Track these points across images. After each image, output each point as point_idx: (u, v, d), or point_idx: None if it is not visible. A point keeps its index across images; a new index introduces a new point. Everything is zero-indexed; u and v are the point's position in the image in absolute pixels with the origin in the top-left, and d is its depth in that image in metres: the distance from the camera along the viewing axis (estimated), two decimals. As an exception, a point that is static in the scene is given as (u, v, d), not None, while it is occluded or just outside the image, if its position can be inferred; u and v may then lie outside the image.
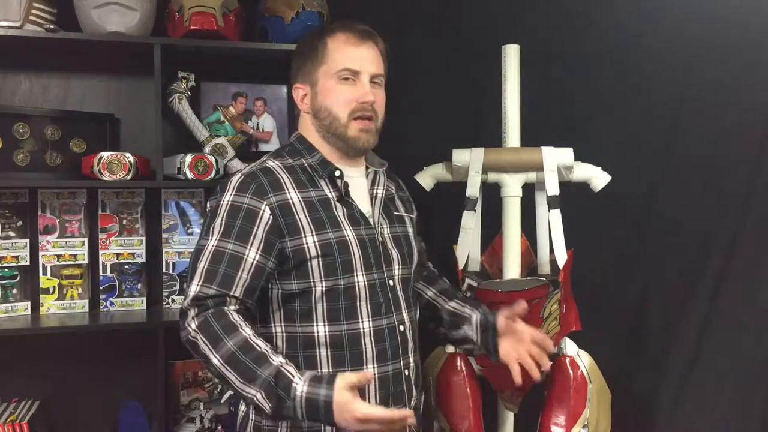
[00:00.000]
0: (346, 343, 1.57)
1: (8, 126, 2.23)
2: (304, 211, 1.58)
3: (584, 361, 2.17)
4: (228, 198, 1.58)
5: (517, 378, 1.63)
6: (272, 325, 1.61)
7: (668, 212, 2.61)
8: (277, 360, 1.44)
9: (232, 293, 1.51)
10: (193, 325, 1.48)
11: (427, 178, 2.23)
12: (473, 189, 2.17)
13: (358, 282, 1.59)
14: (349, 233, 1.60)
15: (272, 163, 1.64)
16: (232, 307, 1.51)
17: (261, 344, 1.46)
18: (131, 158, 2.17)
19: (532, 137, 2.23)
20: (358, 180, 1.69)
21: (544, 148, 2.17)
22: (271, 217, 1.55)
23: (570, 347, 2.18)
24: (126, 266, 2.39)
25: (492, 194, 2.23)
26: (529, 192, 2.23)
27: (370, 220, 1.66)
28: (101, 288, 2.37)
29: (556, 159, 2.16)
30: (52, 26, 2.12)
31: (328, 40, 1.65)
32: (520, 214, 2.21)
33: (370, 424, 1.37)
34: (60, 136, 2.30)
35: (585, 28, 2.57)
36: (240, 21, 2.32)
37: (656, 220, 2.62)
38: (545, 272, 2.23)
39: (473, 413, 2.08)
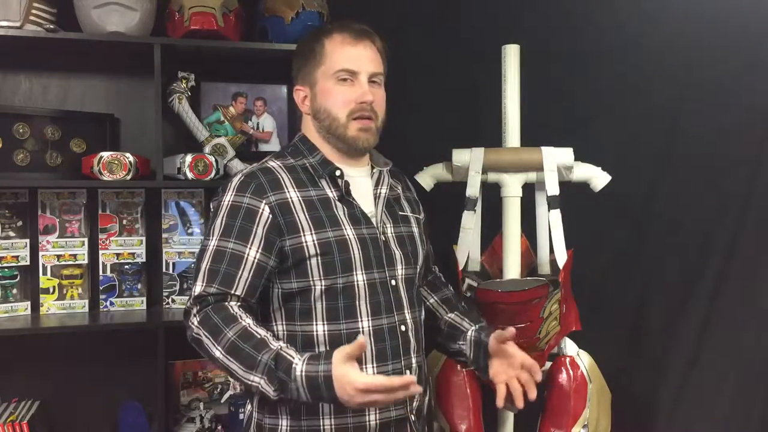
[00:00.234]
0: (345, 342, 1.56)
1: (8, 126, 2.23)
2: (303, 210, 1.58)
3: (584, 361, 2.17)
4: (228, 198, 1.58)
5: (499, 401, 1.63)
6: (273, 323, 1.61)
7: (668, 212, 2.61)
8: (277, 344, 1.44)
9: (233, 292, 1.52)
10: (195, 322, 1.49)
11: (427, 178, 2.23)
12: (473, 189, 2.17)
13: (357, 281, 1.59)
14: (349, 232, 1.60)
15: (273, 163, 1.65)
16: (233, 303, 1.52)
17: (261, 332, 1.47)
18: (131, 158, 2.17)
19: (532, 137, 2.23)
20: (360, 180, 1.69)
21: (544, 148, 2.17)
22: (271, 216, 1.56)
23: (570, 347, 2.18)
24: (126, 266, 2.39)
25: (492, 194, 2.23)
26: (529, 192, 2.23)
27: (373, 220, 1.66)
28: (101, 288, 2.37)
29: (556, 159, 2.16)
30: (52, 26, 2.12)
31: (325, 40, 1.65)
32: (520, 214, 2.21)
33: (372, 395, 1.36)
34: (60, 136, 2.30)
35: (585, 28, 2.57)
36: (240, 21, 2.32)
37: (656, 220, 2.62)
38: (545, 272, 2.23)
39: (473, 413, 2.09)
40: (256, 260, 1.54)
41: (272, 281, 1.59)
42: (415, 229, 1.76)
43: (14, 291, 2.29)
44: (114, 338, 2.36)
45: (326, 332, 1.58)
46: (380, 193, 1.70)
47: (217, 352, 1.46)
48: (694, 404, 2.58)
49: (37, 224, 2.32)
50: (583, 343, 2.20)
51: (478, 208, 2.20)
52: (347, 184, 1.64)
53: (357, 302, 1.59)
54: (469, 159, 2.18)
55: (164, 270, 2.43)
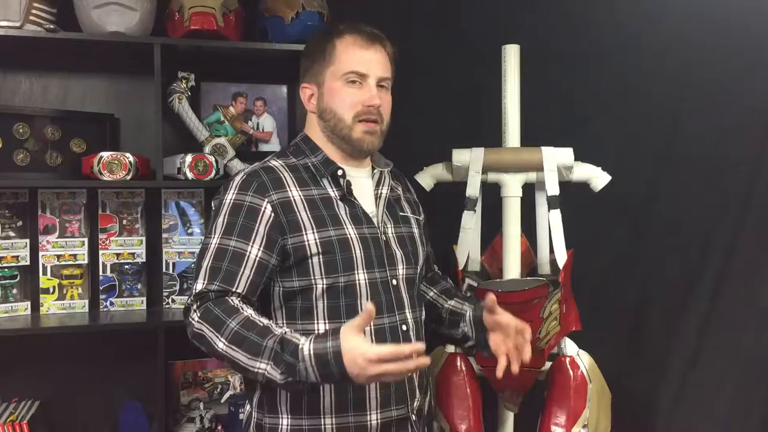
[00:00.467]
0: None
1: (8, 126, 2.24)
2: (305, 209, 1.58)
3: (584, 361, 2.17)
4: (230, 196, 1.58)
5: (499, 372, 1.62)
6: (274, 322, 1.60)
7: (668, 212, 2.61)
8: (280, 330, 1.43)
9: (234, 289, 1.51)
10: (196, 317, 1.48)
11: (427, 178, 2.23)
12: (473, 189, 2.17)
13: (359, 280, 1.59)
14: (351, 231, 1.60)
15: (275, 162, 1.65)
16: (234, 298, 1.51)
17: (263, 320, 1.46)
18: (131, 158, 2.17)
19: (532, 137, 2.23)
20: (362, 180, 1.70)
21: (544, 148, 2.17)
22: (273, 214, 1.56)
23: (570, 347, 2.18)
24: (126, 266, 2.39)
25: (492, 194, 2.23)
26: (529, 192, 2.23)
27: (374, 220, 1.66)
28: (101, 288, 2.37)
29: (556, 159, 2.16)
30: (52, 26, 2.12)
31: (337, 41, 1.65)
32: (520, 214, 2.21)
33: (383, 365, 1.34)
34: (60, 136, 2.30)
35: (585, 28, 2.57)
36: (240, 21, 2.32)
37: (656, 220, 2.62)
38: (545, 272, 2.23)
39: (473, 413, 2.08)
40: (258, 258, 1.54)
41: (273, 280, 1.59)
42: (416, 230, 1.76)
43: (14, 291, 2.29)
44: (114, 338, 2.36)
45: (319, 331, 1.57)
46: (381, 193, 1.71)
47: (221, 344, 1.44)
48: (694, 404, 2.58)
49: (37, 224, 2.32)
50: (583, 343, 2.20)
51: (478, 208, 2.20)
52: (349, 183, 1.65)
53: (358, 301, 1.59)
54: (469, 159, 2.18)
55: (164, 270, 2.43)
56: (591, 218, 2.41)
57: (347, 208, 1.63)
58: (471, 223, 2.19)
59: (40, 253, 2.32)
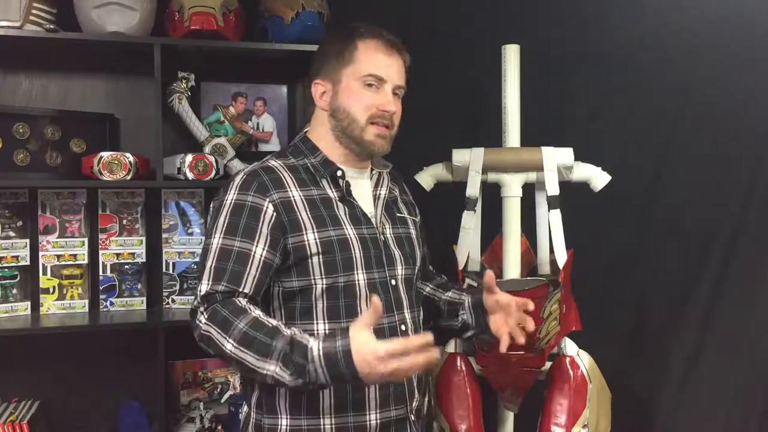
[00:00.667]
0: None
1: (8, 126, 2.24)
2: (305, 209, 1.58)
3: (584, 361, 2.16)
4: (231, 197, 1.58)
5: (503, 347, 1.62)
6: None
7: (668, 212, 2.61)
8: (290, 331, 1.42)
9: (241, 289, 1.51)
10: (203, 319, 1.47)
11: (427, 178, 2.23)
12: (473, 189, 2.17)
13: (358, 280, 1.59)
14: (351, 232, 1.60)
15: (274, 162, 1.65)
16: (241, 299, 1.51)
17: (272, 321, 1.45)
18: (131, 158, 2.17)
19: (532, 137, 2.23)
20: (361, 181, 1.70)
21: (544, 148, 2.17)
22: (275, 214, 1.56)
23: (570, 347, 2.18)
24: (126, 266, 2.39)
25: (492, 194, 2.23)
26: (529, 192, 2.23)
27: (373, 220, 1.66)
28: (101, 288, 2.37)
29: (556, 159, 2.16)
30: (52, 26, 2.13)
31: (359, 42, 1.64)
32: (520, 214, 2.21)
33: (393, 362, 1.33)
34: (60, 136, 2.30)
35: (585, 28, 2.57)
36: (240, 21, 2.32)
37: (656, 220, 2.62)
38: (545, 272, 2.23)
39: (473, 413, 2.08)
40: (262, 258, 1.53)
41: (273, 280, 1.59)
42: (413, 231, 1.77)
43: (14, 291, 2.29)
44: (114, 338, 2.36)
45: (327, 331, 1.57)
46: (380, 194, 1.71)
47: (229, 345, 1.43)
48: (694, 404, 2.58)
49: (37, 224, 2.32)
50: (583, 343, 2.20)
51: (478, 208, 2.20)
52: (348, 184, 1.65)
53: (358, 301, 1.59)
54: (469, 159, 2.18)
55: (164, 270, 2.43)
56: (591, 218, 2.40)
57: (346, 209, 1.63)
58: (471, 223, 2.19)
59: (40, 253, 2.32)
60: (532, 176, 2.19)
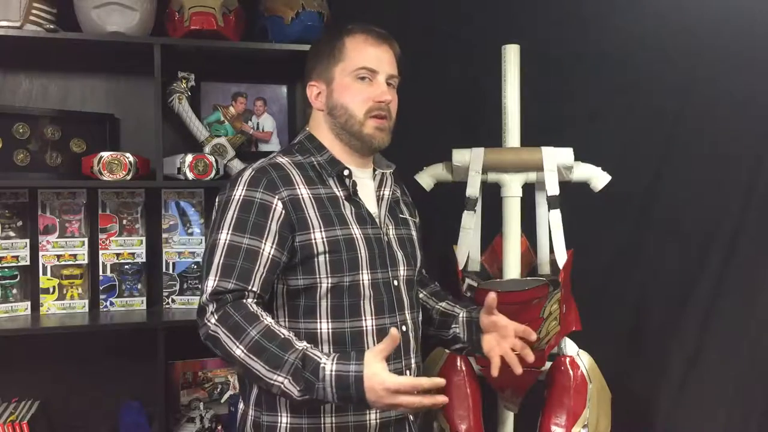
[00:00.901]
0: (348, 341, 1.57)
1: (8, 126, 2.24)
2: (313, 207, 1.58)
3: (584, 361, 2.16)
4: (239, 192, 1.57)
5: (494, 371, 1.63)
6: (276, 320, 1.60)
7: (668, 212, 2.61)
8: (302, 345, 1.43)
9: (250, 287, 1.51)
10: (213, 320, 1.47)
11: (427, 178, 2.23)
12: (473, 189, 2.17)
13: (363, 280, 1.59)
14: (356, 231, 1.60)
15: (282, 159, 1.64)
16: (250, 300, 1.50)
17: (284, 332, 1.46)
18: (131, 158, 2.17)
19: (532, 137, 2.23)
20: (365, 181, 1.70)
21: (544, 148, 2.17)
22: (284, 212, 1.55)
23: (570, 347, 2.18)
24: (126, 266, 2.39)
25: (492, 194, 2.23)
26: (529, 192, 2.23)
27: (377, 221, 1.66)
28: (101, 288, 2.37)
29: (556, 159, 2.16)
30: (52, 26, 2.13)
31: (347, 39, 1.65)
32: (520, 214, 2.21)
33: (400, 397, 1.36)
34: (60, 136, 2.30)
35: (585, 28, 2.57)
36: (240, 21, 2.32)
37: (656, 220, 2.62)
38: (545, 272, 2.23)
39: (473, 413, 2.08)
40: (271, 256, 1.53)
41: (277, 277, 1.58)
42: (414, 232, 1.78)
43: (14, 291, 2.29)
44: (114, 338, 2.36)
45: (330, 330, 1.57)
46: (383, 194, 1.71)
47: (238, 351, 1.43)
48: (694, 404, 2.58)
49: (37, 224, 2.32)
50: (583, 343, 2.20)
51: (478, 208, 2.20)
52: (354, 184, 1.65)
53: (362, 301, 1.59)
54: (469, 159, 2.18)
55: (164, 270, 2.43)
56: (591, 218, 2.40)
57: (353, 209, 1.63)
58: (471, 223, 2.19)
59: (40, 253, 2.32)
60: (532, 176, 2.19)
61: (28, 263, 2.31)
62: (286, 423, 1.58)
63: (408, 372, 1.64)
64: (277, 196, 1.56)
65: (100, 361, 2.39)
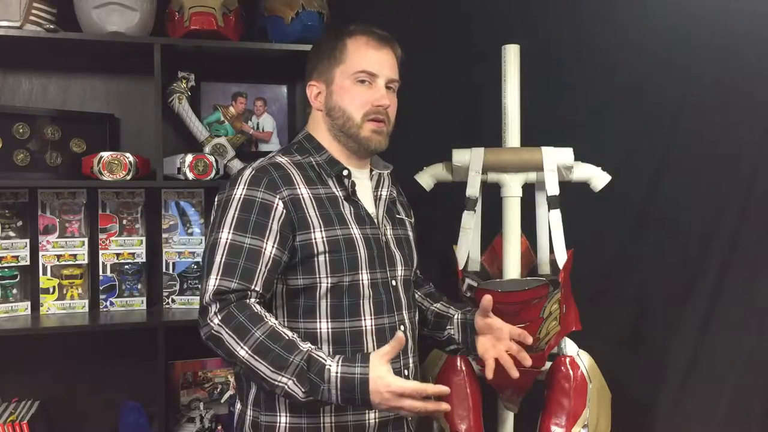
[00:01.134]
0: (347, 341, 1.58)
1: (8, 126, 2.23)
2: (313, 207, 1.58)
3: (584, 361, 2.17)
4: (240, 192, 1.57)
5: (489, 374, 1.64)
6: (275, 320, 1.60)
7: (668, 212, 2.61)
8: (306, 346, 1.44)
9: (253, 287, 1.50)
10: (216, 320, 1.47)
11: (427, 178, 2.23)
12: (473, 189, 2.17)
13: (362, 280, 1.60)
14: (356, 231, 1.61)
15: (281, 159, 1.65)
16: (253, 300, 1.50)
17: (288, 333, 1.46)
18: (131, 158, 2.17)
19: (532, 137, 2.23)
20: (363, 181, 1.70)
21: (544, 148, 2.17)
22: (285, 211, 1.55)
23: (570, 347, 2.18)
24: (126, 266, 2.39)
25: (492, 194, 2.23)
26: (529, 192, 2.23)
27: (375, 221, 1.67)
28: (101, 288, 2.37)
29: (556, 159, 2.16)
30: (52, 26, 2.13)
31: (348, 40, 1.65)
32: (520, 214, 2.21)
33: (404, 400, 1.37)
34: (60, 136, 2.30)
35: (585, 27, 2.57)
36: (240, 21, 2.32)
37: (656, 220, 2.62)
38: (545, 272, 2.23)
39: (473, 413, 2.08)
40: (272, 255, 1.53)
41: (277, 277, 1.58)
42: (410, 233, 1.78)
43: (14, 291, 2.29)
44: (114, 338, 2.36)
45: (330, 330, 1.58)
46: (381, 195, 1.71)
47: (242, 351, 1.44)
48: (694, 404, 2.58)
49: (37, 224, 2.32)
50: (583, 343, 2.20)
51: (478, 208, 2.20)
52: (353, 184, 1.65)
53: (361, 301, 1.59)
54: (469, 159, 2.18)
55: (164, 270, 2.43)
56: (591, 218, 2.41)
57: (352, 209, 1.63)
58: (471, 223, 2.19)
59: (40, 253, 2.32)
60: (532, 176, 2.19)
61: (28, 263, 2.31)
62: (285, 423, 1.58)
63: (406, 371, 1.65)
64: (278, 196, 1.56)
65: (100, 361, 2.38)
